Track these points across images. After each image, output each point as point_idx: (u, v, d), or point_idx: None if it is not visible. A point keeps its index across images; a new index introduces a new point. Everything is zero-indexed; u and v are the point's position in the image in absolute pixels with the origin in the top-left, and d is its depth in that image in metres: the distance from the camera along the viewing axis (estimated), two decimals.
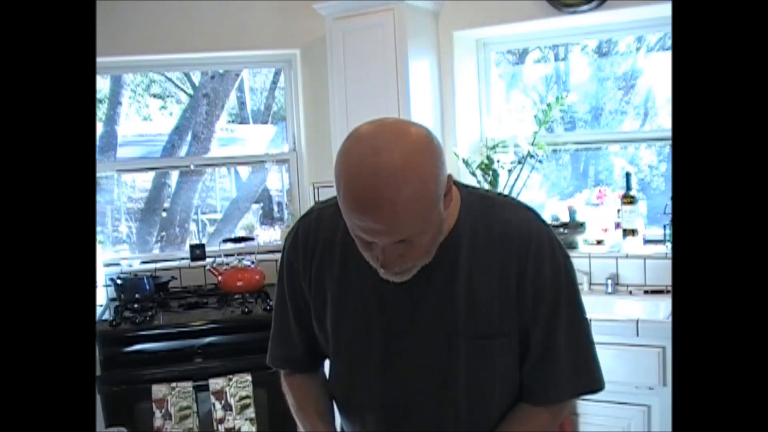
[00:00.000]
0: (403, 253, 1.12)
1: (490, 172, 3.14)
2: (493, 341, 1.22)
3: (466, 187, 1.31)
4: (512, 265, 1.21)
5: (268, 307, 3.01)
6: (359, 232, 1.11)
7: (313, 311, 1.33)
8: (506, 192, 3.05)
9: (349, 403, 1.35)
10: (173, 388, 2.83)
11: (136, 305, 3.16)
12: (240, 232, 4.42)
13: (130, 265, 3.56)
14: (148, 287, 3.29)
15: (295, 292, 1.35)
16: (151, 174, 4.73)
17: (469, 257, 1.22)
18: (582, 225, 3.13)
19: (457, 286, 1.22)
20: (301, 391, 1.41)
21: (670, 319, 2.64)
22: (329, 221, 1.29)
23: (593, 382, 1.28)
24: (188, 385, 2.85)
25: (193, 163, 4.00)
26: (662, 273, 2.87)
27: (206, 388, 2.86)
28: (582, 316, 1.29)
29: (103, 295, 3.29)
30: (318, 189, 3.59)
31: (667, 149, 3.37)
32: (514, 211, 1.27)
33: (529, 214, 1.28)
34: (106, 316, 3.07)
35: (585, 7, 2.91)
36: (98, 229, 3.75)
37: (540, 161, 3.20)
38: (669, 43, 3.27)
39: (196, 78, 4.86)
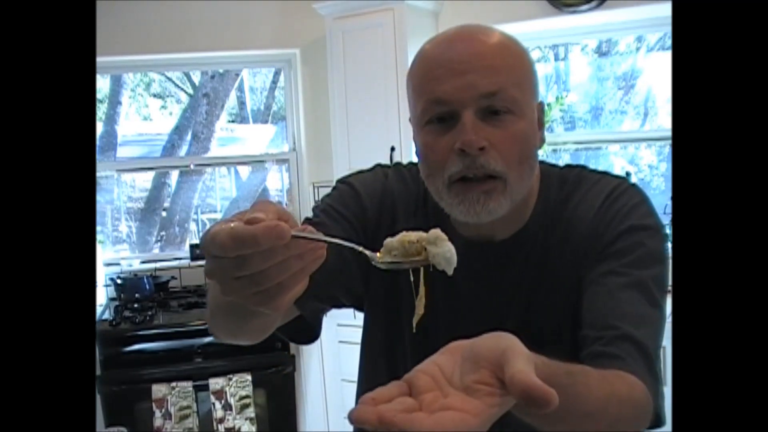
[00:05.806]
0: (490, 137, 0.94)
1: None
2: (542, 349, 0.84)
3: (542, 163, 1.10)
4: (581, 262, 1.02)
5: None
6: (437, 91, 0.94)
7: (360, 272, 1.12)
8: None
9: (383, 363, 1.17)
10: (173, 388, 2.83)
11: (136, 305, 3.16)
12: None
13: (130, 265, 3.56)
14: (148, 287, 3.29)
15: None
16: (151, 174, 4.72)
17: (537, 257, 1.05)
18: None
19: (518, 287, 1.05)
20: None
21: (670, 319, 2.63)
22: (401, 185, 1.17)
23: (657, 397, 0.96)
24: (188, 385, 2.85)
25: (193, 163, 4.01)
26: None
27: (206, 387, 2.86)
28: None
29: (103, 295, 3.29)
30: (318, 189, 3.59)
31: (667, 149, 3.37)
32: (591, 202, 1.05)
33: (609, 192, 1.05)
34: (106, 316, 3.07)
35: (585, 7, 2.91)
36: (98, 229, 3.75)
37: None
38: (669, 43, 3.27)
39: (196, 78, 4.86)
